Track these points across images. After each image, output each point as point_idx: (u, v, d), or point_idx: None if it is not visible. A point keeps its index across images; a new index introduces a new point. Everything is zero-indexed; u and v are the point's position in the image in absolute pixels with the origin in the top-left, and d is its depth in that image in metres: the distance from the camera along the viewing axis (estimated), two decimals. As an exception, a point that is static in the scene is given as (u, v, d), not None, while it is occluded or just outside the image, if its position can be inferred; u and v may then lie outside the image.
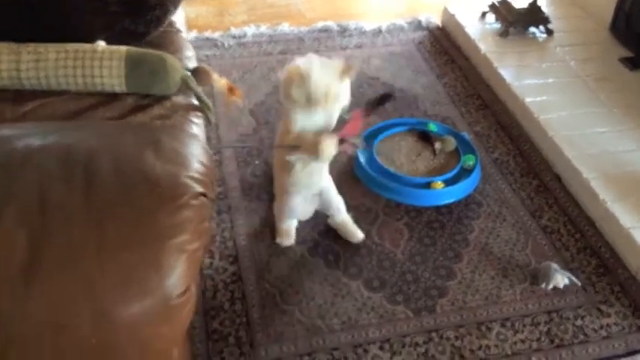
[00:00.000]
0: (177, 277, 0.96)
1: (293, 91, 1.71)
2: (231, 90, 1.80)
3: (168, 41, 1.81)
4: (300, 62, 1.74)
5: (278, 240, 2.10)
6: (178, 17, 2.01)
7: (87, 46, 1.59)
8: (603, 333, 1.87)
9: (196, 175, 1.05)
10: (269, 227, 2.15)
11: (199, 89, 1.67)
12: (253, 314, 1.88)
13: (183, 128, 1.41)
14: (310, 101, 1.72)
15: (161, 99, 1.59)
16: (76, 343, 0.92)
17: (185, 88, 1.65)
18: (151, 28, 1.76)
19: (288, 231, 2.10)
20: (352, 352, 1.79)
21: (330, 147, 1.74)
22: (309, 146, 1.76)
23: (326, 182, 2.03)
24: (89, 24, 1.68)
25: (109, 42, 1.66)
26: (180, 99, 1.63)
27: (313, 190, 2.00)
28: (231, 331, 1.83)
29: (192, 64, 1.84)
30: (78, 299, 0.93)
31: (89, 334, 0.91)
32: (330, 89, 1.73)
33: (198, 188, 1.04)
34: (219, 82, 1.77)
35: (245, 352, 1.78)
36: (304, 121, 1.80)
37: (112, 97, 1.59)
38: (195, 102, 1.67)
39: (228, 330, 1.83)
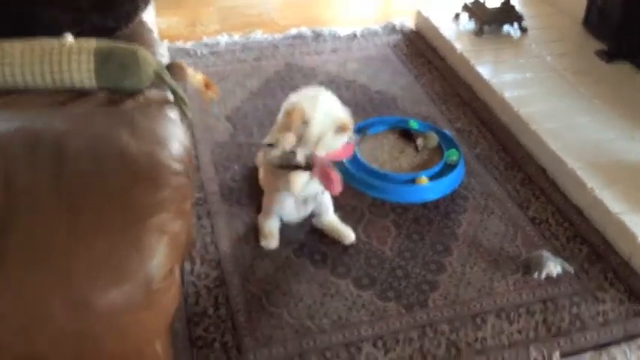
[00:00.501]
0: (159, 260, 0.89)
1: (287, 132, 1.76)
2: (207, 85, 1.73)
3: (139, 38, 1.74)
4: (306, 101, 1.78)
5: (262, 243, 2.02)
6: (149, 18, 1.95)
7: (54, 40, 1.51)
8: (600, 319, 1.82)
9: (175, 154, 0.98)
10: (252, 230, 2.08)
11: (174, 83, 1.60)
12: (239, 318, 1.79)
13: (159, 110, 1.33)
14: (300, 141, 1.77)
15: (134, 94, 1.52)
16: (50, 334, 0.84)
17: (159, 82, 1.58)
18: (121, 23, 1.69)
19: (272, 233, 2.03)
20: (345, 352, 1.71)
21: (296, 183, 1.81)
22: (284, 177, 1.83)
23: (320, 186, 1.97)
24: (56, 19, 1.61)
25: (78, 38, 1.59)
26: (154, 93, 1.56)
27: (308, 192, 1.95)
28: (217, 337, 1.74)
29: (166, 61, 1.78)
30: (50, 289, 0.85)
31: (64, 325, 0.82)
32: (324, 139, 1.79)
33: (178, 166, 0.97)
34: (195, 77, 1.70)
35: (232, 357, 1.69)
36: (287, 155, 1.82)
37: (82, 93, 1.52)
38: (171, 96, 1.60)
39: (213, 336, 1.75)
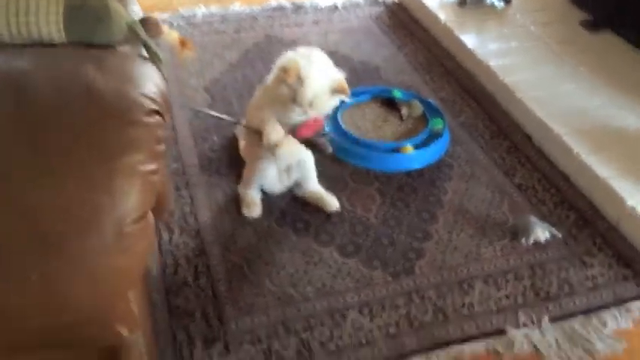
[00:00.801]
0: (131, 201, 0.82)
1: (282, 86, 1.70)
2: (183, 43, 1.65)
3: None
4: (302, 59, 1.71)
5: (244, 211, 1.96)
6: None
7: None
8: (589, 284, 1.79)
9: (147, 93, 0.91)
10: (232, 200, 2.01)
11: (148, 38, 1.51)
12: (220, 287, 1.73)
13: (131, 54, 1.24)
14: (294, 101, 1.71)
15: (105, 49, 1.44)
16: (15, 277, 0.76)
17: (132, 37, 1.49)
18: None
19: (255, 201, 1.97)
20: (329, 319, 1.66)
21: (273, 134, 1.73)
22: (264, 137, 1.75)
23: (304, 153, 1.91)
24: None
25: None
26: (126, 49, 1.47)
27: (290, 160, 1.88)
28: (197, 307, 1.68)
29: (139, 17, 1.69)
30: (15, 228, 0.78)
31: (29, 267, 0.75)
32: (318, 99, 1.73)
33: (150, 104, 0.89)
34: (170, 34, 1.62)
35: (213, 325, 1.63)
36: (279, 112, 1.77)
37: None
38: (144, 53, 1.52)
39: (192, 305, 1.68)
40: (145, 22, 1.59)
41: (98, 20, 1.38)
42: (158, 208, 1.32)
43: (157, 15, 3.06)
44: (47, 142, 0.81)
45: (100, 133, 0.84)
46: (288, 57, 1.77)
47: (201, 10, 3.17)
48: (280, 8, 3.24)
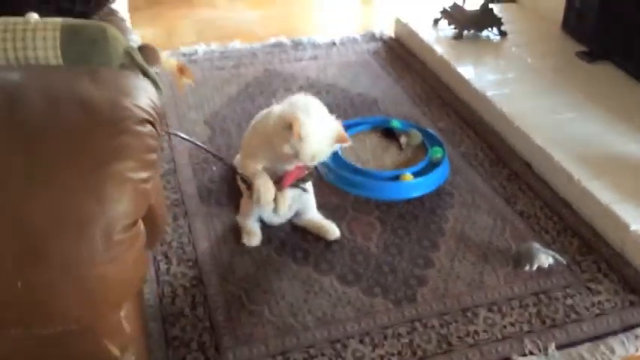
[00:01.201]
0: (121, 208, 0.80)
1: (285, 146, 1.69)
2: (181, 70, 1.66)
3: (110, 23, 1.67)
4: (302, 114, 1.68)
5: (244, 240, 1.93)
6: (121, 8, 1.88)
7: (18, 17, 1.43)
8: (596, 310, 1.75)
9: (140, 103, 0.90)
10: (231, 231, 1.99)
11: (146, 64, 1.52)
12: (217, 317, 1.69)
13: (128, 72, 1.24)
14: (296, 156, 1.71)
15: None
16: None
17: (129, 62, 1.49)
18: (89, 9, 1.62)
19: (254, 230, 1.94)
20: (330, 348, 1.61)
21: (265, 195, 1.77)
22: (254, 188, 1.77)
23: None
24: (20, 2, 1.53)
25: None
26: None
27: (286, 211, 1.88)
28: (194, 336, 1.64)
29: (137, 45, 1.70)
30: (3, 242, 0.76)
31: (15, 273, 0.73)
32: (320, 153, 1.73)
33: (143, 114, 0.88)
34: (169, 62, 1.63)
35: (210, 356, 1.59)
36: (275, 162, 1.79)
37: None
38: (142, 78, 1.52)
39: (190, 335, 1.64)
40: (143, 49, 1.61)
41: (94, 43, 1.39)
42: (152, 226, 1.30)
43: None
44: (38, 151, 0.80)
45: (91, 141, 0.82)
46: (287, 111, 1.72)
47: (201, 48, 3.21)
48: (279, 45, 3.28)
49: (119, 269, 0.80)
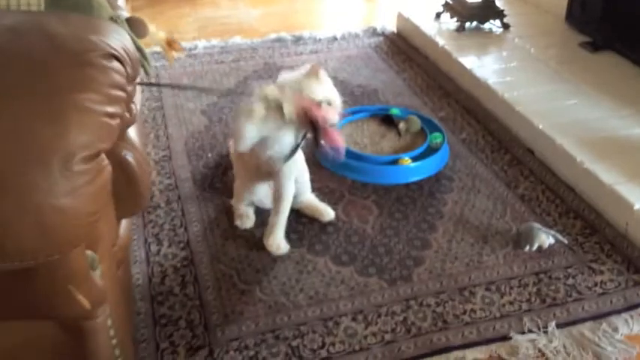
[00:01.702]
0: (81, 137, 0.76)
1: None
2: (170, 43, 1.64)
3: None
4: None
5: (237, 222, 1.90)
6: None
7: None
8: (598, 290, 1.69)
9: (109, 41, 0.87)
10: (225, 214, 1.95)
11: (133, 34, 1.50)
12: (207, 296, 1.65)
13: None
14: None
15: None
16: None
17: (116, 31, 1.47)
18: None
19: (247, 213, 1.91)
20: (322, 326, 1.56)
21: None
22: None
23: (299, 166, 1.86)
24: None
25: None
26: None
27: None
28: (182, 315, 1.60)
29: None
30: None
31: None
32: (332, 100, 1.67)
33: (110, 50, 0.85)
34: (157, 34, 1.60)
35: (198, 334, 1.54)
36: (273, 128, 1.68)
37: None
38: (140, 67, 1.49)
39: (178, 314, 1.60)
40: (131, 20, 1.59)
41: (77, 7, 1.36)
42: (133, 191, 1.26)
43: (157, 49, 3.10)
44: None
45: (53, 70, 0.79)
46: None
47: (202, 43, 3.20)
48: (280, 40, 3.26)
49: (78, 203, 0.76)
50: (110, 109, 0.82)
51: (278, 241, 1.78)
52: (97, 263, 1.03)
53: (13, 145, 0.73)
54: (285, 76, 1.73)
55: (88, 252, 0.99)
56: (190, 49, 3.13)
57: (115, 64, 0.85)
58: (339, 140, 1.64)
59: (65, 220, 0.75)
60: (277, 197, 1.80)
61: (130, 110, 1.24)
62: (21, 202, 0.72)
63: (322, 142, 1.62)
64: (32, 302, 0.87)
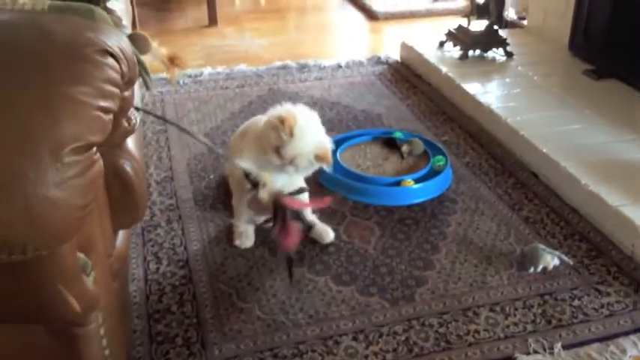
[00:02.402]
0: (72, 128, 0.75)
1: (272, 133, 1.68)
2: (172, 60, 1.64)
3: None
4: (300, 116, 1.71)
5: (236, 242, 1.88)
6: (119, 6, 1.89)
7: (7, -1, 1.43)
8: (605, 312, 1.65)
9: (105, 39, 0.86)
10: (225, 233, 1.94)
11: (135, 50, 1.50)
12: (205, 315, 1.62)
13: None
14: (276, 151, 1.69)
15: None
16: None
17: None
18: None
19: (247, 232, 1.89)
20: (321, 345, 1.53)
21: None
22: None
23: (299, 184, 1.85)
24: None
25: None
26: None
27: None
28: (179, 332, 1.57)
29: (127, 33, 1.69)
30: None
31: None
32: (300, 158, 1.70)
33: (105, 46, 0.85)
34: (159, 50, 1.62)
35: (195, 352, 1.51)
36: (259, 158, 1.73)
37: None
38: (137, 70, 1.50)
39: (175, 331, 1.57)
40: (133, 36, 1.60)
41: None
42: (130, 200, 1.25)
43: (163, 75, 3.12)
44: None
45: (46, 63, 0.78)
46: (286, 108, 1.75)
47: (207, 70, 3.22)
48: (285, 67, 3.29)
49: (68, 195, 0.74)
50: (103, 103, 0.81)
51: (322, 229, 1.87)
52: (90, 269, 1.01)
53: (2, 133, 0.72)
54: (266, 116, 1.76)
55: (80, 255, 0.97)
56: (196, 76, 3.16)
57: (110, 61, 0.85)
58: (295, 238, 1.59)
59: (54, 212, 0.74)
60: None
61: (128, 120, 1.24)
62: (8, 191, 0.70)
63: (277, 230, 1.58)
64: (22, 302, 0.85)
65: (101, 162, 0.83)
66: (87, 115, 0.78)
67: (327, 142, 1.78)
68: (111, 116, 0.84)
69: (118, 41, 0.91)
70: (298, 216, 1.62)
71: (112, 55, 0.85)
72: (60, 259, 0.82)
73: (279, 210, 1.58)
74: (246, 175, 1.65)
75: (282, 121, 1.67)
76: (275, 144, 1.69)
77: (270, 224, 1.65)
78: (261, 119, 1.89)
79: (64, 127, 0.75)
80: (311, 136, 1.72)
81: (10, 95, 0.74)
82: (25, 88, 0.76)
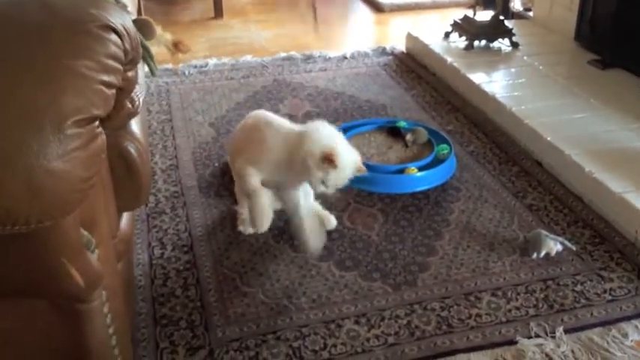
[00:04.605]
0: (74, 101, 0.76)
1: (318, 174, 1.66)
2: (176, 45, 1.66)
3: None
4: (335, 144, 1.68)
5: (240, 228, 1.89)
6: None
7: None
8: (608, 297, 1.65)
9: (108, 15, 0.87)
10: (229, 219, 1.95)
11: (139, 34, 1.51)
12: (209, 298, 1.64)
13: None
14: (322, 182, 1.68)
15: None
16: None
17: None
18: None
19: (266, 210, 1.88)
20: (324, 328, 1.54)
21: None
22: None
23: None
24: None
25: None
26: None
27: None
28: (183, 316, 1.58)
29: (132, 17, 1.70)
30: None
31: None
32: (344, 181, 1.71)
33: (108, 22, 0.86)
34: (164, 35, 1.63)
35: (198, 334, 1.52)
36: (278, 176, 1.75)
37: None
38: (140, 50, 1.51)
39: (179, 315, 1.59)
40: (138, 22, 1.61)
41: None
42: (133, 182, 1.27)
43: (168, 66, 3.14)
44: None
45: (49, 37, 0.80)
46: (319, 135, 1.70)
47: (213, 61, 3.23)
48: (290, 58, 3.30)
49: (70, 167, 0.75)
50: (106, 77, 0.83)
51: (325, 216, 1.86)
52: (94, 247, 1.02)
53: (5, 105, 0.73)
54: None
55: (84, 232, 0.99)
56: (201, 66, 3.17)
57: (113, 37, 0.86)
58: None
59: (56, 184, 0.75)
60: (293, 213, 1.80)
61: (132, 102, 1.25)
62: (11, 162, 0.72)
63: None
64: (26, 274, 0.86)
65: (104, 136, 0.84)
66: (89, 88, 0.80)
67: (356, 154, 1.75)
68: (113, 91, 0.86)
69: (122, 19, 0.92)
70: None
71: (115, 32, 0.86)
72: (63, 232, 0.84)
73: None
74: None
75: (329, 160, 1.64)
76: (321, 177, 1.67)
77: None
78: (259, 116, 1.88)
79: (67, 100, 0.76)
80: (350, 159, 1.70)
81: (14, 69, 0.76)
82: (29, 62, 0.77)
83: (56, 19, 0.82)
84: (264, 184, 1.73)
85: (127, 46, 0.90)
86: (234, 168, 1.91)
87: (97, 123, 0.82)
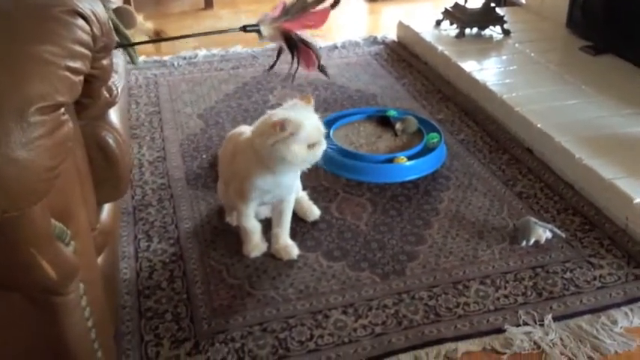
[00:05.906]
0: (38, 87, 0.74)
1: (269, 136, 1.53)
2: (157, 34, 1.63)
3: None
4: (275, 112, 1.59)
5: (228, 219, 1.87)
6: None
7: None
8: (597, 284, 1.64)
9: (78, 3, 0.85)
10: (216, 212, 1.93)
11: (120, 23, 1.49)
12: (195, 291, 1.62)
13: None
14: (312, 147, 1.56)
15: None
16: None
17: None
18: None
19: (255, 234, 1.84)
20: (311, 319, 1.52)
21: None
22: None
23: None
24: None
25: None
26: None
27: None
28: (169, 308, 1.56)
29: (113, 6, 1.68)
30: None
31: None
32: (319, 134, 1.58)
33: (75, 7, 0.84)
34: (145, 24, 1.60)
35: (184, 327, 1.51)
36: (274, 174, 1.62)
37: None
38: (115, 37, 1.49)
39: (164, 307, 1.57)
40: (118, 10, 1.59)
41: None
42: (112, 171, 1.25)
43: (157, 58, 3.11)
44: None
45: (11, 22, 0.77)
46: (262, 119, 1.62)
47: (202, 52, 3.20)
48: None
49: (35, 155, 0.73)
50: (71, 63, 0.80)
51: (287, 246, 1.74)
52: (69, 238, 1.00)
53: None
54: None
55: (58, 223, 0.97)
56: (190, 58, 3.14)
57: (80, 22, 0.84)
58: (312, 57, 1.63)
59: (21, 173, 0.73)
60: (279, 210, 1.74)
61: (109, 91, 1.23)
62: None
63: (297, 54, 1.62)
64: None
65: (70, 123, 0.82)
66: (54, 74, 0.77)
67: (319, 122, 1.61)
68: (81, 77, 0.84)
69: (91, 4, 0.90)
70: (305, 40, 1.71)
71: (83, 17, 0.84)
72: (31, 222, 0.82)
73: (288, 40, 1.59)
74: None
75: (279, 125, 1.50)
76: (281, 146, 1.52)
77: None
78: (242, 132, 1.80)
79: (30, 87, 0.74)
80: (308, 123, 1.55)
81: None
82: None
83: (19, 3, 0.80)
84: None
85: (97, 31, 0.88)
86: (227, 186, 1.80)
87: (62, 110, 0.80)
